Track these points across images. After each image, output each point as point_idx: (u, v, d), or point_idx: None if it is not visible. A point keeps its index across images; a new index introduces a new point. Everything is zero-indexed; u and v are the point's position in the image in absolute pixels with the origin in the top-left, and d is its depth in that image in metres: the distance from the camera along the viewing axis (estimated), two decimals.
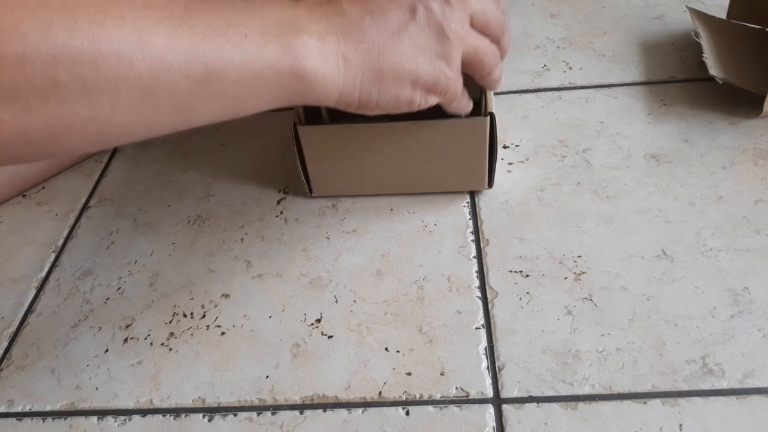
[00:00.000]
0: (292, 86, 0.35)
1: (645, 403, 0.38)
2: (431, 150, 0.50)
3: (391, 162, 0.51)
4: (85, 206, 0.56)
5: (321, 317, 0.45)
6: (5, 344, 0.46)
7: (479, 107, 0.58)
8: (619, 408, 0.38)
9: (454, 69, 0.40)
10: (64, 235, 0.54)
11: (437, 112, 0.47)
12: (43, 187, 0.59)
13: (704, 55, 0.58)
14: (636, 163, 0.53)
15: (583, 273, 0.46)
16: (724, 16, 0.64)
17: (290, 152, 0.52)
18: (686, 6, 0.65)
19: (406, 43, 0.37)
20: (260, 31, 0.33)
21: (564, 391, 0.39)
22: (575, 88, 0.62)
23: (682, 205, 0.49)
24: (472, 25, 0.40)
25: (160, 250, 0.51)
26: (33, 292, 0.50)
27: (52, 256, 0.52)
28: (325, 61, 0.35)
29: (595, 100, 0.61)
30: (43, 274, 0.51)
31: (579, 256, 0.47)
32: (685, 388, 0.39)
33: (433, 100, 0.41)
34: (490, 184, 0.52)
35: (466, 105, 0.45)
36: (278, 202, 0.54)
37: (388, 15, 0.37)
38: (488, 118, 0.48)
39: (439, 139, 0.50)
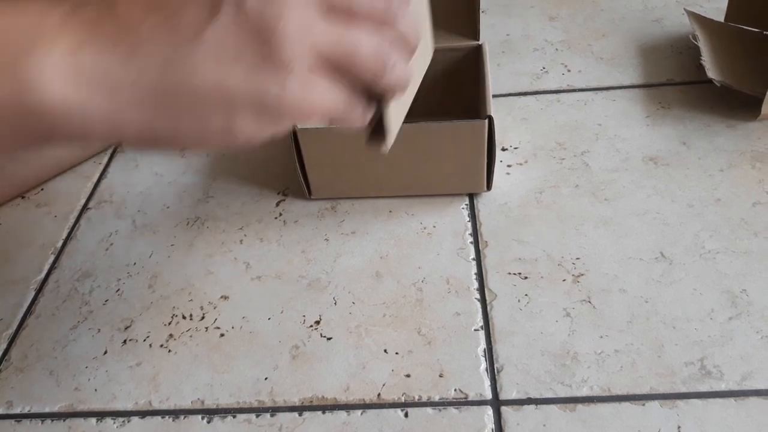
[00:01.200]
0: (25, 124, 0.25)
1: (643, 405, 0.38)
2: (430, 152, 0.51)
3: (390, 164, 0.51)
4: (84, 208, 0.56)
5: (320, 319, 0.45)
6: (4, 345, 0.46)
7: (477, 111, 0.59)
8: (618, 410, 0.38)
9: (301, 78, 0.26)
10: (63, 237, 0.54)
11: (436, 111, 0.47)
12: (41, 189, 0.59)
13: (702, 58, 0.58)
14: (634, 166, 0.54)
15: (582, 275, 0.46)
16: (722, 19, 0.64)
17: (289, 154, 0.52)
18: (684, 9, 0.66)
19: (206, 51, 0.25)
20: None
21: (562, 393, 0.39)
22: (574, 90, 0.62)
23: (680, 208, 0.50)
24: (330, 11, 0.27)
25: (159, 252, 0.51)
26: (32, 293, 0.50)
27: (51, 258, 0.52)
28: (75, 86, 0.24)
29: (593, 102, 0.61)
30: (42, 275, 0.51)
31: (577, 258, 0.47)
32: (683, 390, 0.39)
33: (276, 126, 0.27)
34: (489, 187, 0.52)
35: (360, 117, 0.31)
36: (277, 204, 0.54)
37: (180, 14, 0.25)
38: (486, 121, 0.48)
39: (438, 142, 0.50)
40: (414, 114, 0.60)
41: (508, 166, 0.55)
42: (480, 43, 0.57)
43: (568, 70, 0.65)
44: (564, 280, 0.46)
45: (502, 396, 0.40)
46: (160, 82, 0.25)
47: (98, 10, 0.25)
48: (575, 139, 0.57)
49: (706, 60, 0.58)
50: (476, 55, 0.57)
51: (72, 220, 0.55)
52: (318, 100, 0.27)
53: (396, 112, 0.36)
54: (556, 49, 0.68)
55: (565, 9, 0.74)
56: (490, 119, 0.48)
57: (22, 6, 0.25)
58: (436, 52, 0.58)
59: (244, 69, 0.26)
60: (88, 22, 0.25)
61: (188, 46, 0.25)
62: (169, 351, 0.44)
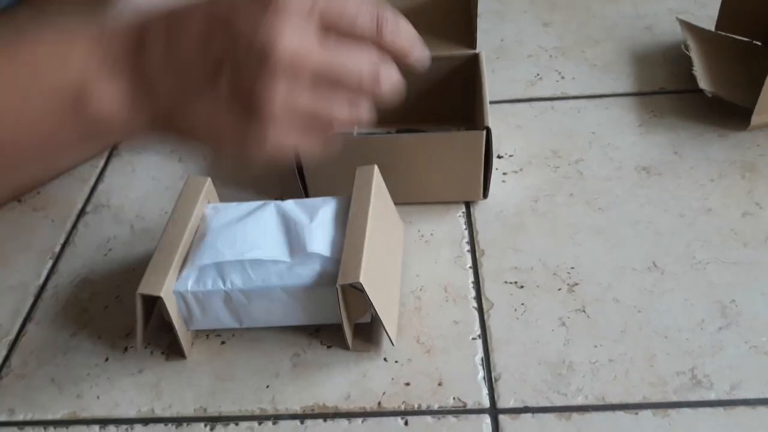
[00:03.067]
0: (85, 129, 0.33)
1: (636, 413, 0.39)
2: (428, 162, 0.51)
3: (388, 172, 0.52)
4: (81, 212, 0.57)
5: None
6: (4, 352, 0.46)
7: (473, 119, 0.59)
8: (612, 418, 0.39)
9: (279, 132, 0.32)
10: (61, 242, 0.54)
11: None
12: (38, 192, 0.59)
13: (694, 68, 0.59)
14: (627, 175, 0.55)
15: (576, 284, 0.47)
16: (713, 27, 0.65)
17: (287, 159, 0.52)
18: (677, 18, 0.67)
19: (204, 103, 0.32)
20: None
21: (558, 401, 0.40)
22: (568, 98, 0.63)
23: (672, 218, 0.51)
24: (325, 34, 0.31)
25: None
26: (31, 299, 0.50)
27: (50, 263, 0.52)
28: (116, 104, 0.32)
29: (587, 110, 0.62)
30: (41, 281, 0.51)
31: (572, 268, 0.48)
32: (674, 399, 0.40)
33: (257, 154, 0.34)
34: (485, 195, 0.53)
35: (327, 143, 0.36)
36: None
37: (189, 72, 0.31)
38: (484, 132, 0.49)
39: (436, 152, 0.51)
40: (409, 121, 0.61)
41: (504, 174, 0.56)
42: (477, 52, 0.57)
43: (562, 77, 0.66)
44: (559, 290, 0.46)
45: (500, 404, 0.41)
46: (169, 123, 0.33)
47: (127, 50, 0.32)
48: (569, 147, 0.58)
49: (698, 70, 0.59)
50: (473, 64, 0.58)
51: (69, 225, 0.55)
52: (291, 144, 0.33)
53: (388, 311, 0.43)
54: (550, 56, 0.69)
55: (558, 15, 0.75)
56: (488, 130, 0.49)
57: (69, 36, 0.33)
58: (433, 59, 0.59)
59: (233, 120, 0.31)
60: (119, 61, 0.32)
61: (192, 95, 0.32)
62: (171, 359, 0.45)
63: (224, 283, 0.42)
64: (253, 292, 0.42)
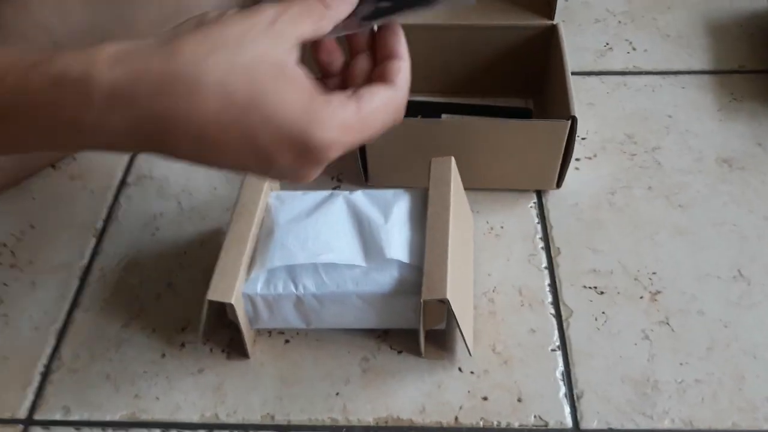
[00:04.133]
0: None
1: None
2: (503, 148, 0.48)
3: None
4: (122, 183, 0.53)
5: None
6: (53, 342, 0.44)
7: (541, 92, 0.55)
8: None
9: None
10: (103, 217, 0.50)
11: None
12: (74, 159, 0.54)
13: None
14: (708, 167, 0.51)
15: (659, 292, 0.44)
16: None
17: None
18: None
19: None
20: None
21: (644, 424, 0.39)
22: (640, 73, 0.59)
23: (757, 219, 0.48)
24: None
25: (210, 240, 0.48)
26: (76, 282, 0.47)
27: (93, 241, 0.49)
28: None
29: (661, 89, 0.57)
30: (85, 261, 0.48)
31: (654, 273, 0.45)
32: (765, 427, 0.38)
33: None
34: (559, 185, 0.50)
35: None
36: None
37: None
38: (569, 122, 0.45)
39: (513, 139, 0.47)
40: (473, 92, 0.57)
41: (577, 159, 0.52)
42: (555, 23, 0.52)
43: (633, 49, 0.61)
44: (641, 297, 0.44)
45: (583, 425, 0.39)
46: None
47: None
48: (645, 132, 0.54)
49: None
50: (548, 36, 0.53)
51: (111, 198, 0.52)
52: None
53: (466, 319, 0.40)
54: (619, 22, 0.64)
55: None
56: (574, 120, 0.45)
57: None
58: (504, 29, 0.54)
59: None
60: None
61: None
62: (232, 357, 0.42)
63: (296, 287, 0.39)
64: (326, 297, 0.39)
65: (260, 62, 0.27)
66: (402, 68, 0.32)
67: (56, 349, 0.43)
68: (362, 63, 0.33)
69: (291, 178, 0.30)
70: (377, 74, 0.32)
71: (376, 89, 0.30)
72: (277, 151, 0.28)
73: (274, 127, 0.27)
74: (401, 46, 0.32)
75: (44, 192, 0.52)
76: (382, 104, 0.30)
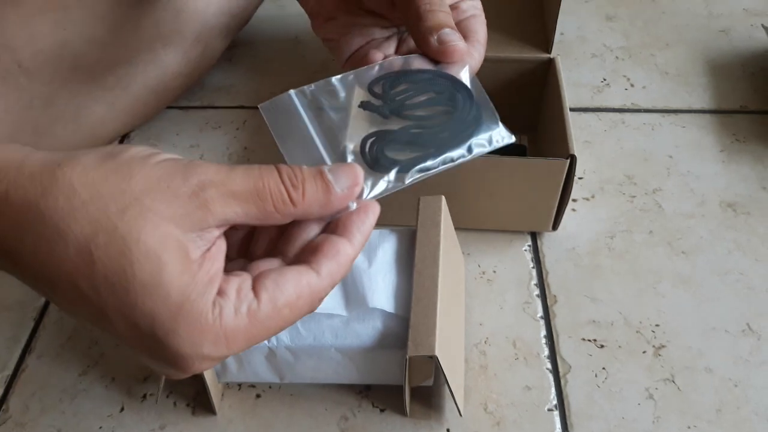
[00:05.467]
0: None
1: None
2: (497, 187, 0.45)
3: (447, 195, 0.45)
4: None
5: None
6: (1, 391, 0.40)
7: (536, 128, 0.52)
8: None
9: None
10: None
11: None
12: None
13: None
14: (711, 212, 0.49)
15: (663, 347, 0.41)
16: None
17: None
18: (762, 25, 0.60)
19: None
20: None
21: None
22: (639, 110, 0.56)
23: (765, 269, 0.45)
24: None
25: None
26: (30, 324, 0.43)
27: None
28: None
29: (661, 127, 0.55)
30: (42, 301, 0.44)
31: (657, 325, 0.42)
32: None
33: None
34: (555, 227, 0.47)
35: None
36: None
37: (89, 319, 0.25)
38: (568, 161, 0.42)
39: (507, 177, 0.44)
40: None
41: (574, 200, 0.49)
42: (552, 56, 0.50)
43: (632, 85, 0.59)
44: (644, 352, 0.41)
45: None
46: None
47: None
48: (645, 173, 0.51)
49: None
50: (545, 70, 0.51)
51: None
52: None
53: (456, 376, 0.36)
54: (617, 57, 0.62)
55: (623, 8, 0.67)
56: (573, 159, 0.42)
57: None
58: (498, 62, 0.52)
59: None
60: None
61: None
62: (197, 413, 0.38)
63: (268, 338, 0.35)
64: (302, 350, 0.36)
65: (147, 237, 0.22)
66: (342, 252, 0.26)
67: (4, 399, 0.39)
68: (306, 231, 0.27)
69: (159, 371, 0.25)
70: (310, 247, 0.26)
71: (291, 277, 0.24)
72: (134, 345, 0.24)
73: (130, 319, 0.22)
74: (359, 231, 0.26)
75: None
76: (292, 299, 0.24)
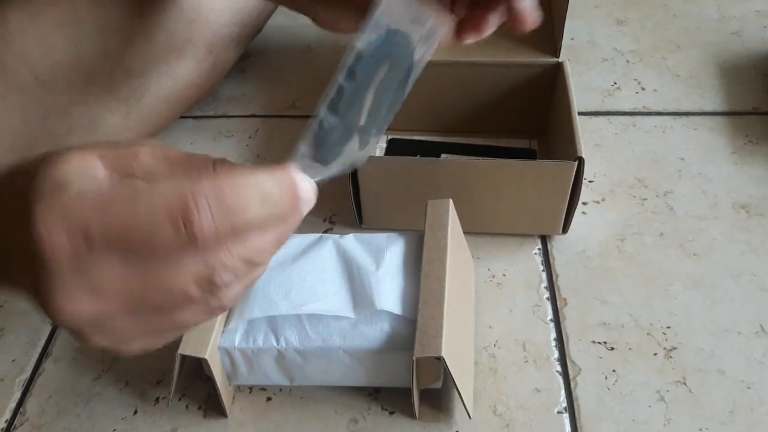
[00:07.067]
0: None
1: None
2: (506, 190, 0.45)
3: (455, 198, 0.45)
4: None
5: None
6: (18, 394, 0.41)
7: (545, 132, 0.53)
8: None
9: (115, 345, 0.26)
10: None
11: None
12: None
13: None
14: (724, 214, 0.48)
15: (674, 348, 0.41)
16: None
17: (340, 177, 0.46)
18: None
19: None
20: None
21: None
22: (650, 113, 0.56)
23: None
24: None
25: None
26: (47, 329, 0.44)
27: None
28: None
29: (672, 130, 0.55)
30: None
31: (668, 327, 0.42)
32: None
33: None
34: (565, 230, 0.47)
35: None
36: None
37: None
38: (576, 163, 0.42)
39: (516, 180, 0.44)
40: (474, 132, 0.54)
41: (584, 203, 0.49)
42: (560, 60, 0.50)
43: (642, 88, 0.59)
44: (655, 354, 0.41)
45: None
46: None
47: None
48: (656, 176, 0.51)
49: None
50: (553, 74, 0.51)
51: None
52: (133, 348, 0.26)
53: (465, 379, 0.36)
54: (627, 61, 0.62)
55: (633, 11, 0.67)
56: (581, 162, 0.42)
57: None
58: (507, 67, 0.52)
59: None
60: None
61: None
62: (209, 416, 0.39)
63: (277, 340, 0.36)
64: (310, 352, 0.36)
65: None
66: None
67: (21, 402, 0.40)
68: None
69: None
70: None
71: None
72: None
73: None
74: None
75: None
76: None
